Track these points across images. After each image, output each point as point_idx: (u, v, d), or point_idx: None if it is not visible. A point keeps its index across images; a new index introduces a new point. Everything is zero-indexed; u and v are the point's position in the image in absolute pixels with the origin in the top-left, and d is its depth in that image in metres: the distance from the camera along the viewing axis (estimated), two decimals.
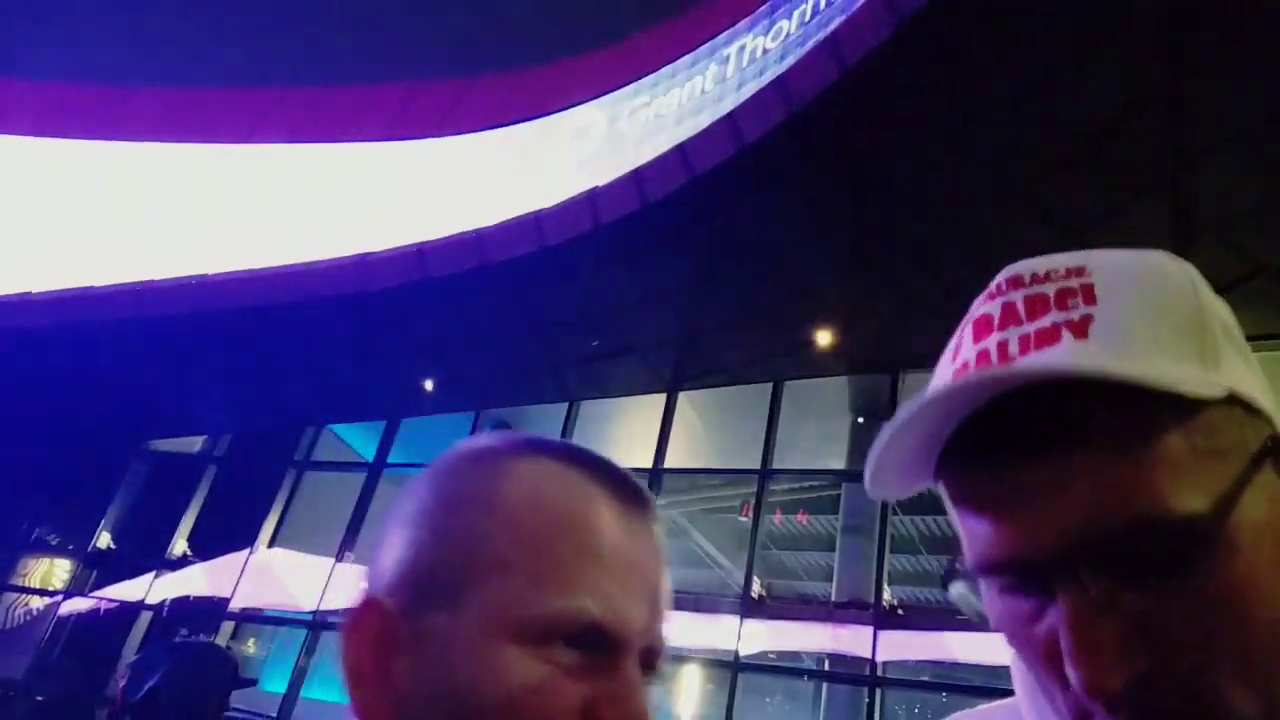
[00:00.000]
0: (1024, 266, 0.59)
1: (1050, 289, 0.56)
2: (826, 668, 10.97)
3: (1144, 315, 0.53)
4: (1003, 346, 0.55)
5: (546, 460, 0.62)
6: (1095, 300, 0.54)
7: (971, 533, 0.54)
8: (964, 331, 0.59)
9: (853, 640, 10.19)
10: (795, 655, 11.03)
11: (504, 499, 0.59)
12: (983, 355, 0.56)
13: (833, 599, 11.35)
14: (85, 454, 15.32)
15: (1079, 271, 0.56)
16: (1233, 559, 0.48)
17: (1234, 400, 0.52)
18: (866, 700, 9.95)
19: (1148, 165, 7.87)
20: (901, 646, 10.14)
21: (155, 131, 15.48)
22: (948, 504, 0.58)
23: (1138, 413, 0.49)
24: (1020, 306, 0.56)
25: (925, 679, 11.26)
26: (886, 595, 10.52)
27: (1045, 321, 0.54)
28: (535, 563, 0.56)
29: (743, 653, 10.46)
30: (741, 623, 10.57)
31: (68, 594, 14.61)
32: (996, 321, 0.57)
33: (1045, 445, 0.51)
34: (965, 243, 8.97)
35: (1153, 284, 0.55)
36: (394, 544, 0.61)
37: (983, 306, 0.59)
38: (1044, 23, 7.05)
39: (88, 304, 12.75)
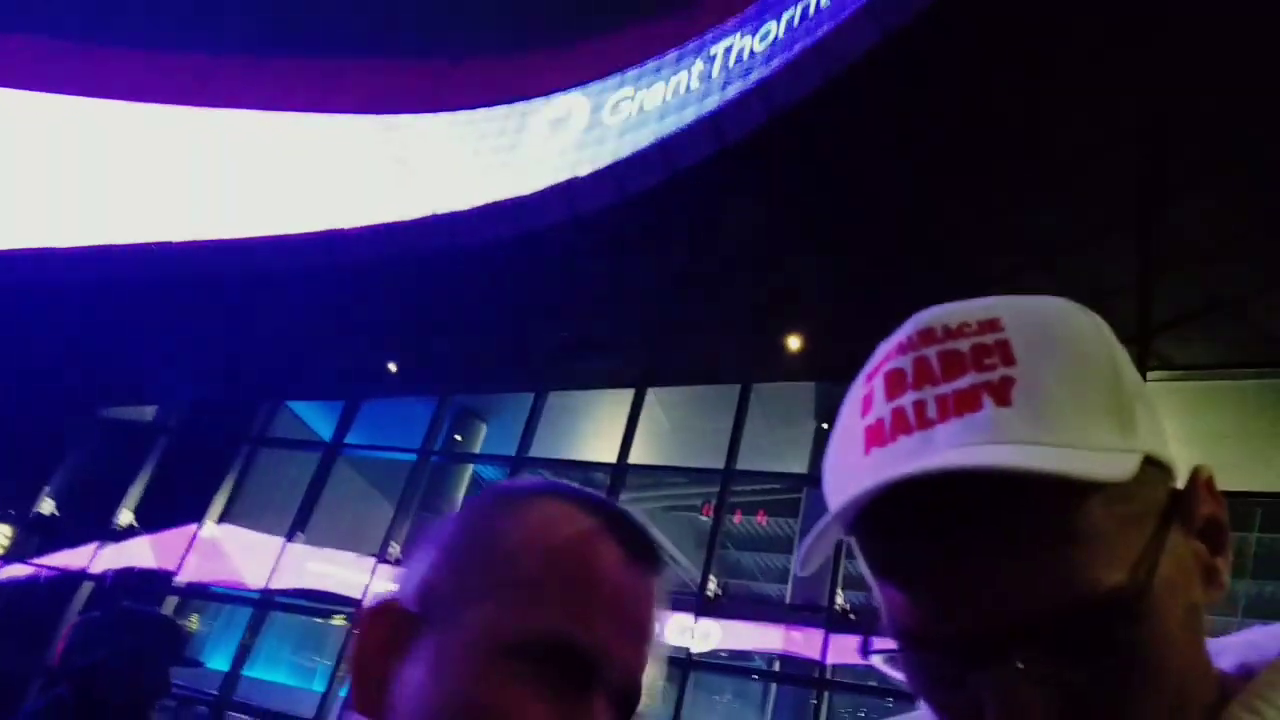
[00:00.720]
0: (933, 318, 0.57)
1: (965, 344, 0.54)
2: (777, 668, 11.04)
3: (1063, 380, 0.52)
4: (919, 407, 0.53)
5: (560, 501, 0.66)
6: (1014, 360, 0.52)
7: (892, 602, 0.54)
8: (874, 384, 0.57)
9: (804, 642, 10.28)
10: (747, 655, 11.09)
11: (513, 528, 0.64)
12: (898, 414, 0.54)
13: (787, 601, 11.44)
14: (33, 417, 14.89)
15: (992, 325, 0.55)
16: (1153, 624, 0.49)
17: (1148, 462, 0.51)
18: (814, 702, 10.03)
19: (1117, 196, 8.01)
20: (851, 650, 10.24)
21: (125, 91, 15.07)
22: (861, 563, 0.56)
23: (1062, 493, 0.48)
24: (935, 363, 0.54)
25: (872, 683, 11.40)
26: (839, 599, 10.63)
27: (963, 383, 0.53)
28: (526, 587, 0.60)
29: (695, 650, 10.49)
30: (696, 621, 10.59)
31: (6, 559, 14.19)
32: (910, 378, 0.55)
33: (967, 525, 0.49)
34: (938, 257, 9.06)
35: (1069, 343, 0.54)
36: (418, 561, 0.66)
37: (893, 360, 0.57)
38: (1028, 46, 7.14)
39: (44, 265, 12.38)
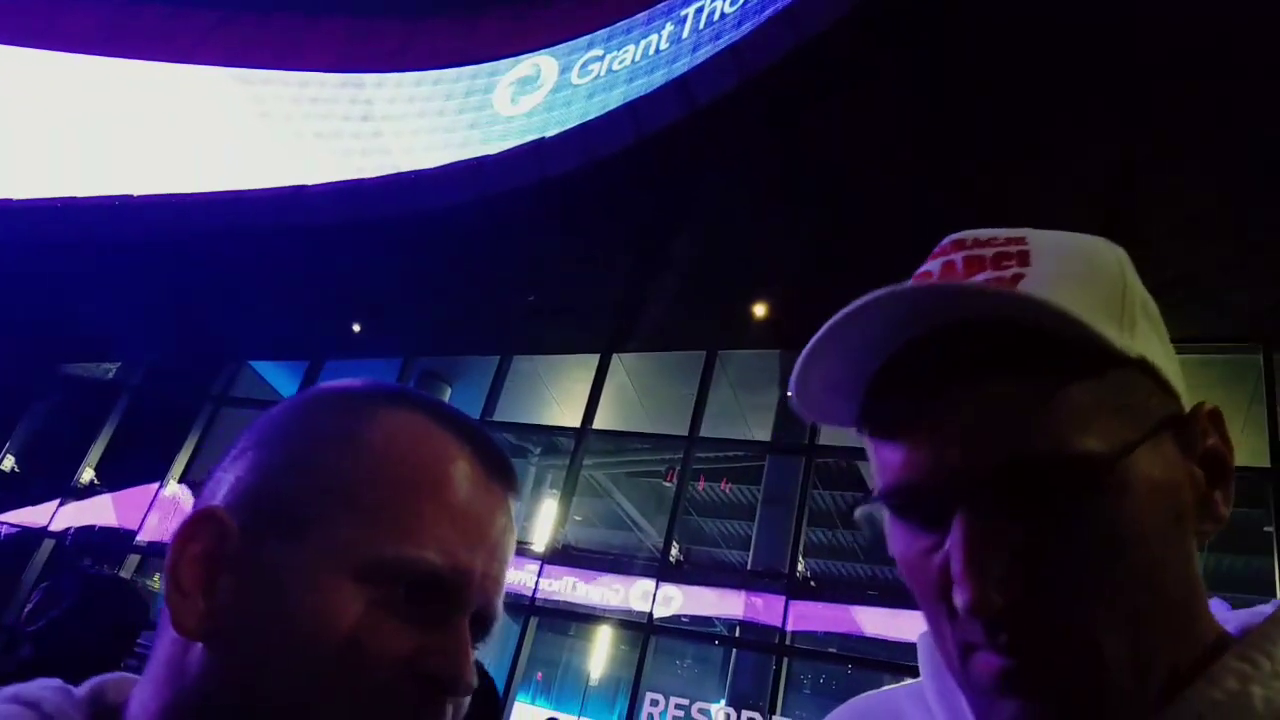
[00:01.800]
0: (968, 232, 0.64)
1: (989, 251, 0.61)
2: (738, 634, 11.15)
3: (1069, 278, 0.56)
4: None
5: (415, 413, 0.62)
6: (1029, 263, 0.58)
7: (884, 462, 0.58)
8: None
9: (765, 609, 10.38)
10: (708, 621, 11.19)
11: (365, 441, 0.59)
12: None
13: (749, 567, 11.53)
14: None
15: (1018, 240, 0.61)
16: (1121, 508, 0.52)
17: (1145, 370, 0.55)
18: (774, 668, 10.15)
19: (1086, 173, 8.01)
20: (811, 617, 10.37)
21: (89, 44, 14.70)
22: (867, 444, 0.60)
23: (1053, 359, 0.53)
24: (959, 264, 0.61)
25: (832, 650, 11.55)
26: (800, 567, 10.72)
27: (979, 278, 0.59)
28: (386, 508, 0.57)
29: (657, 615, 10.57)
30: (657, 586, 10.66)
31: None
32: (936, 276, 0.61)
33: (961, 379, 0.54)
34: (904, 226, 9.03)
35: (1082, 256, 0.59)
36: (243, 463, 0.60)
37: (925, 265, 0.64)
38: (1001, 19, 7.08)
39: (3, 216, 12.13)
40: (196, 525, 0.57)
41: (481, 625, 0.61)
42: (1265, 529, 8.92)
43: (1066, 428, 0.52)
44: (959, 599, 0.52)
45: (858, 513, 0.61)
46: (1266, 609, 0.60)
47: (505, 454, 0.64)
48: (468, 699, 0.59)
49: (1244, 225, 7.98)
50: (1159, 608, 0.53)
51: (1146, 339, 0.56)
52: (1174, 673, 0.53)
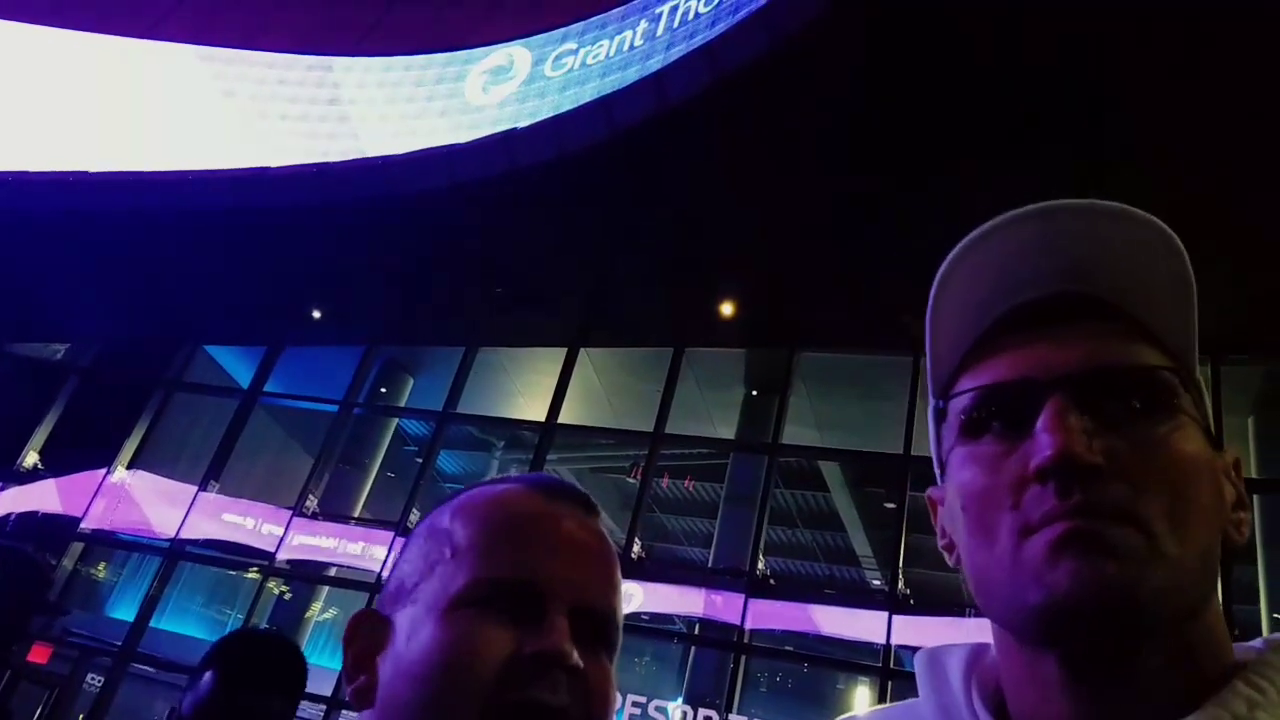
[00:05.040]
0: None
1: None
2: (697, 632, 11.17)
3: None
4: None
5: (490, 484, 0.76)
6: None
7: (993, 373, 0.64)
8: None
9: (724, 606, 10.40)
10: (668, 619, 11.19)
11: (449, 516, 0.73)
12: None
13: (710, 565, 11.55)
14: None
15: None
16: (1187, 441, 0.60)
17: (1199, 393, 0.64)
18: (732, 666, 10.18)
19: (1053, 169, 8.14)
20: (769, 616, 10.42)
21: (48, 15, 14.24)
22: (969, 375, 0.66)
23: (1144, 335, 0.63)
24: None
25: (789, 649, 11.62)
26: (760, 565, 10.77)
27: None
28: (466, 550, 0.68)
29: None
30: None
31: None
32: None
33: (1080, 316, 0.63)
34: (873, 229, 9.12)
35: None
36: (388, 576, 0.76)
37: None
38: (968, 21, 7.19)
39: None
40: (357, 623, 0.72)
41: (590, 624, 0.68)
42: None
43: (1149, 356, 0.62)
44: (1044, 451, 0.57)
45: (953, 404, 0.66)
46: (1258, 644, 0.64)
47: (573, 485, 0.75)
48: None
49: (1198, 235, 8.16)
50: (1200, 540, 0.58)
51: (1200, 381, 0.65)
52: (1192, 678, 0.59)
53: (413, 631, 0.66)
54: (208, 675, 1.79)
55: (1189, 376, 0.63)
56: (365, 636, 0.70)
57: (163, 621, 12.54)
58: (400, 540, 10.79)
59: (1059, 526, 0.56)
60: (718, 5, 10.30)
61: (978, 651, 0.71)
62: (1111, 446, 0.58)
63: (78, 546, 12.86)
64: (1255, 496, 10.16)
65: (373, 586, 11.03)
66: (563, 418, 12.06)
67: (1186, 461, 0.59)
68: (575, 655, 0.64)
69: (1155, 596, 0.55)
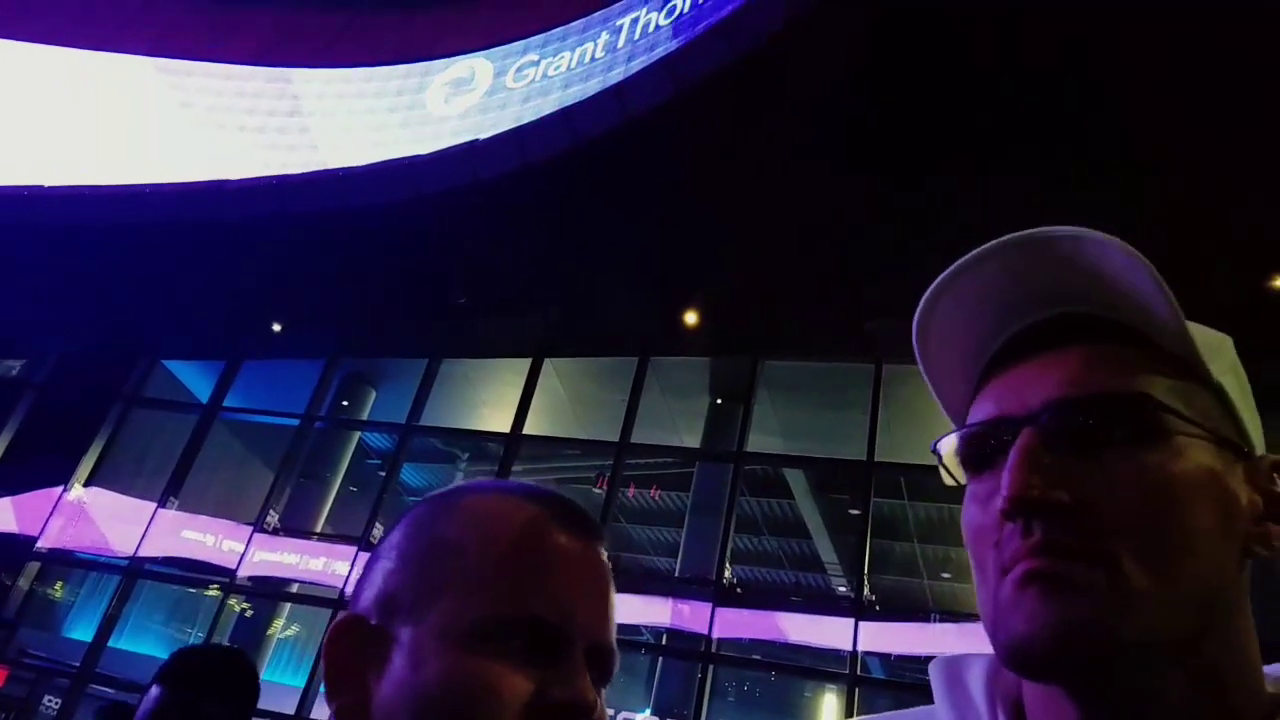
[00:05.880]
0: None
1: None
2: (664, 642, 11.15)
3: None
4: None
5: (496, 494, 0.71)
6: None
7: (978, 411, 0.65)
8: None
9: (691, 616, 10.40)
10: (635, 629, 11.17)
11: (457, 524, 0.68)
12: None
13: (677, 574, 11.56)
14: None
15: None
16: (1167, 466, 0.57)
17: (1222, 398, 0.62)
18: (699, 675, 10.17)
19: (1024, 185, 8.28)
20: (737, 624, 10.43)
21: (2, 26, 13.99)
22: (972, 413, 0.67)
23: (1151, 348, 0.61)
24: None
25: (756, 657, 11.64)
26: (727, 573, 10.79)
27: None
28: (484, 574, 0.65)
29: None
30: None
31: None
32: None
33: (1063, 343, 0.62)
34: (840, 239, 9.21)
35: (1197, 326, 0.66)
36: (371, 572, 0.70)
37: None
38: (937, 33, 7.29)
39: None
40: (343, 631, 0.66)
41: (598, 660, 0.66)
42: None
43: (1138, 381, 0.59)
44: (1003, 492, 0.57)
45: (942, 446, 0.66)
46: None
47: (583, 510, 0.72)
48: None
49: (1164, 241, 8.31)
50: (1185, 570, 0.56)
51: (1229, 383, 0.62)
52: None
53: (422, 658, 0.62)
54: (155, 688, 1.87)
55: (1195, 384, 0.61)
56: (354, 647, 0.66)
57: (122, 641, 12.33)
58: (364, 555, 10.69)
59: (1021, 566, 0.57)
60: (678, 18, 10.40)
61: (998, 663, 0.68)
62: (1083, 480, 0.57)
63: (34, 566, 12.59)
64: None
65: (336, 603, 10.91)
66: (528, 428, 12.02)
67: (1171, 486, 0.57)
68: (599, 704, 0.64)
69: (1116, 633, 0.54)
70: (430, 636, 0.63)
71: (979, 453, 0.63)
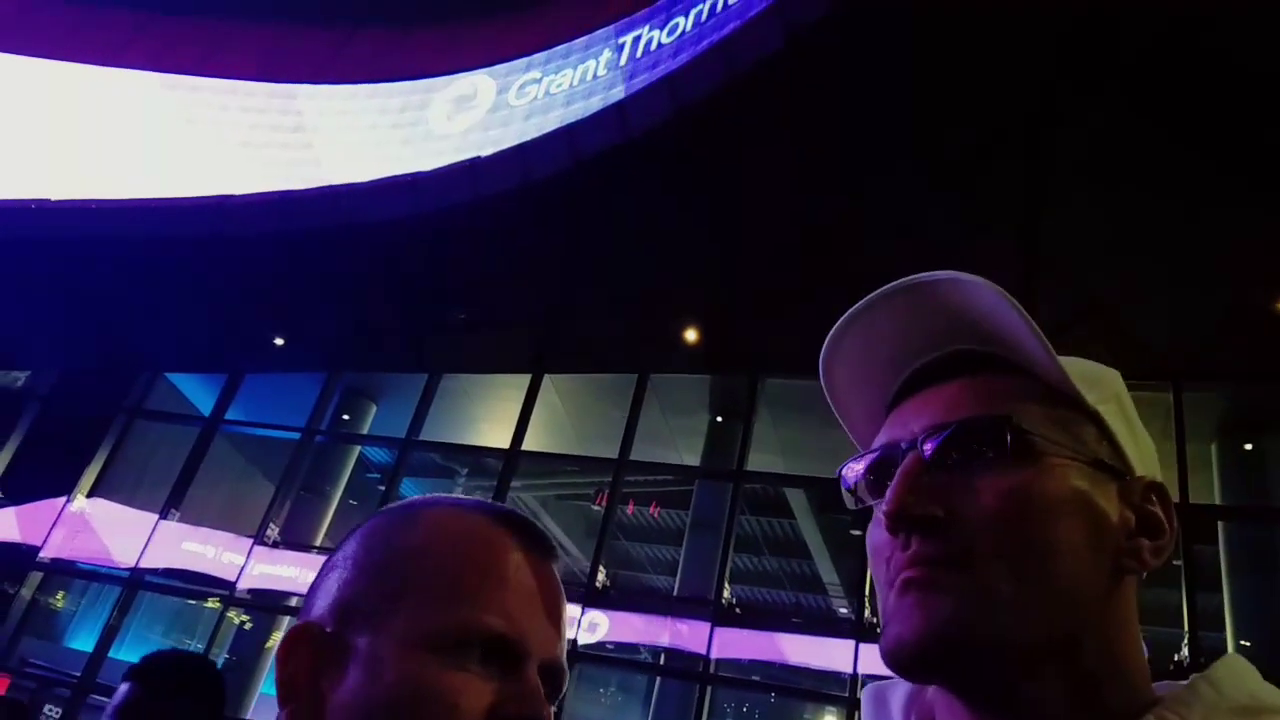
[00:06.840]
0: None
1: None
2: (662, 661, 11.08)
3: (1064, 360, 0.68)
4: None
5: (456, 510, 0.72)
6: None
7: (878, 441, 0.70)
8: None
9: (690, 635, 10.32)
10: (633, 648, 11.11)
11: (417, 536, 0.69)
12: None
13: (675, 593, 11.49)
14: None
15: None
16: (1034, 486, 0.61)
17: (1099, 424, 0.66)
18: (697, 696, 10.09)
19: (1002, 201, 8.26)
20: (736, 645, 10.34)
21: (7, 42, 14.15)
22: (877, 437, 0.71)
23: (1027, 380, 0.66)
24: None
25: (756, 678, 11.54)
26: (726, 593, 10.71)
27: None
28: (445, 586, 0.65)
29: (581, 642, 10.44)
30: (583, 612, 10.53)
31: None
32: None
33: (952, 372, 0.68)
34: (836, 257, 9.17)
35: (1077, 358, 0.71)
36: (326, 580, 0.70)
37: None
38: (926, 56, 7.29)
39: None
40: (297, 637, 0.66)
41: (550, 676, 0.68)
42: (1174, 562, 9.22)
43: (1006, 407, 0.64)
44: (883, 507, 0.63)
45: (846, 473, 0.71)
46: (1184, 684, 0.66)
47: (540, 529, 0.73)
48: None
49: (1153, 261, 8.27)
50: (1047, 576, 0.60)
51: (1109, 411, 0.67)
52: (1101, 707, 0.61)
53: (380, 666, 0.62)
54: (126, 685, 1.92)
55: (1072, 411, 0.65)
56: (307, 654, 0.65)
57: (122, 651, 12.34)
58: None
59: (901, 576, 0.61)
60: (680, 36, 10.41)
61: (920, 685, 0.72)
62: (955, 496, 0.61)
63: (36, 576, 12.67)
64: (1219, 523, 10.25)
65: None
66: (527, 444, 12.01)
67: (1032, 500, 0.61)
68: (547, 715, 0.66)
69: (974, 630, 0.58)
70: (388, 645, 0.63)
71: (876, 478, 0.68)
